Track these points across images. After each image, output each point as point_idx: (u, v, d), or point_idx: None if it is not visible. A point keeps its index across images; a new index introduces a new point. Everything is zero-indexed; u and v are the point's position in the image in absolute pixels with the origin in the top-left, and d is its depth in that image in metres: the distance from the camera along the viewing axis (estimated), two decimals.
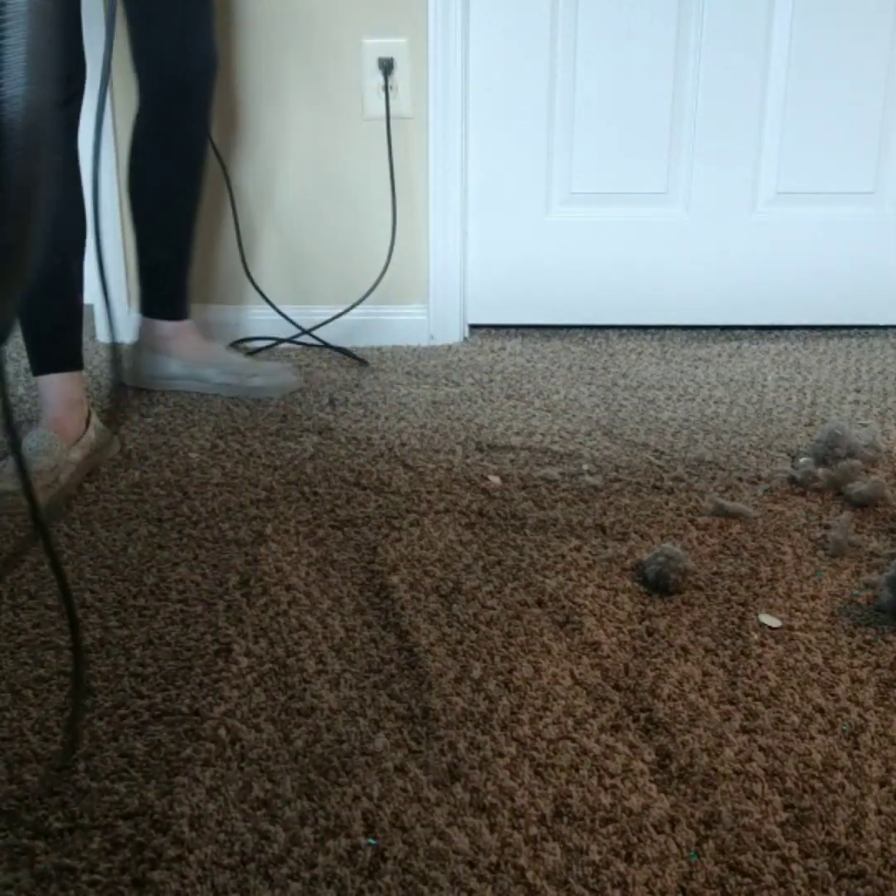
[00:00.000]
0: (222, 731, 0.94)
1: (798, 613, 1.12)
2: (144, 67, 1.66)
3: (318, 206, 2.08)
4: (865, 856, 0.79)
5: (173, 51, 1.64)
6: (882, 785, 0.87)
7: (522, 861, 0.79)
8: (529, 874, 0.78)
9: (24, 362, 1.92)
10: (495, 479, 1.46)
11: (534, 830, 0.82)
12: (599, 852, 0.80)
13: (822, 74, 2.02)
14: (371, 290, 2.03)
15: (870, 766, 0.89)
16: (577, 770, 0.89)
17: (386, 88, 1.98)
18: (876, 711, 0.96)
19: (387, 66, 1.97)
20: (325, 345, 2.07)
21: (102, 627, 1.10)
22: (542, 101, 2.05)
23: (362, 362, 1.99)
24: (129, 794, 0.86)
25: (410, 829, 0.82)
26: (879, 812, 0.84)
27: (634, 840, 0.81)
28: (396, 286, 2.08)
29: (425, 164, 2.03)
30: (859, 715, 0.95)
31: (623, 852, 0.80)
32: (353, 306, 2.04)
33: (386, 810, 0.84)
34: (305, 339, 2.07)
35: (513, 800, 0.85)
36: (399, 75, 1.98)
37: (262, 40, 1.98)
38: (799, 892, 0.76)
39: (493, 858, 0.79)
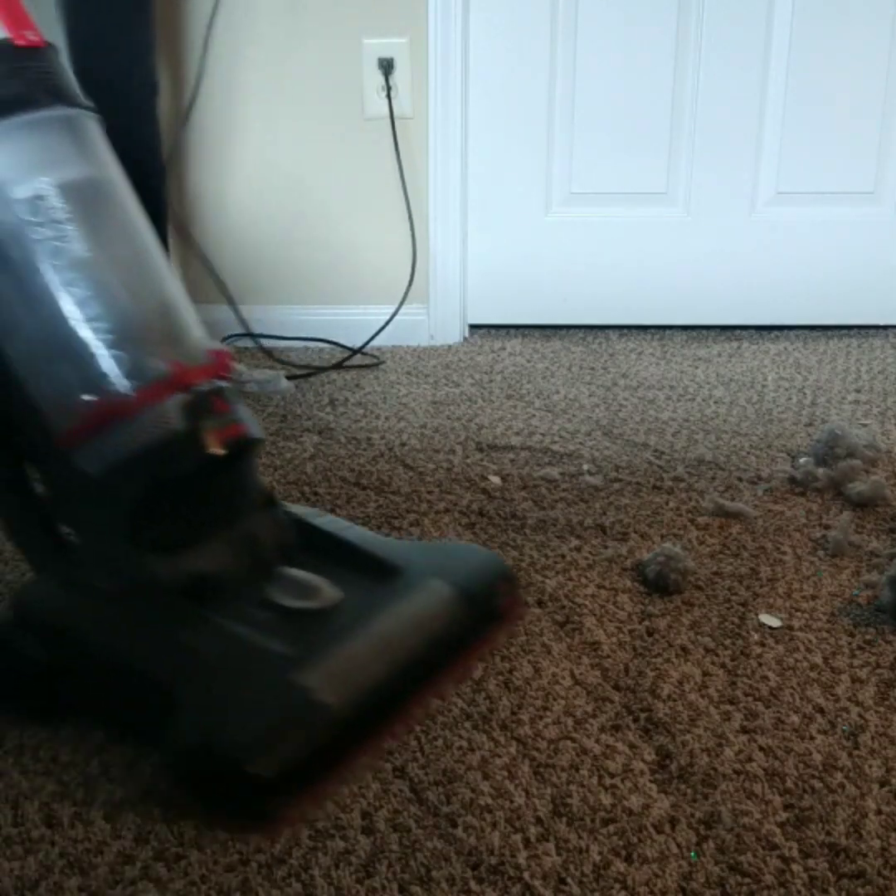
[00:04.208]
0: None
1: (798, 613, 1.12)
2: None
3: (318, 206, 2.08)
4: (865, 856, 0.79)
5: (116, 77, 1.64)
6: (882, 785, 0.87)
7: (521, 861, 0.79)
8: (528, 875, 0.78)
9: None
10: (495, 479, 1.46)
11: (533, 830, 0.82)
12: (599, 852, 0.80)
13: (822, 74, 2.02)
14: (405, 293, 2.05)
15: (870, 766, 0.89)
16: (576, 770, 0.89)
17: (387, 88, 1.98)
18: (876, 711, 0.96)
19: (387, 66, 1.98)
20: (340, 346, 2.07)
21: None
22: (542, 101, 2.05)
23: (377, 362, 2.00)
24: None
25: (408, 830, 0.82)
26: (879, 812, 0.83)
27: (634, 840, 0.81)
28: (397, 286, 2.07)
29: (425, 165, 2.03)
30: (859, 715, 0.95)
31: (623, 852, 0.80)
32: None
33: (385, 811, 0.84)
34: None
35: (512, 800, 0.85)
36: (399, 75, 1.98)
37: (261, 39, 1.98)
38: (799, 892, 0.76)
39: (493, 859, 0.79)
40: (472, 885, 0.77)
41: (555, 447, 1.58)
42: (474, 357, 2.03)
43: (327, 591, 0.90)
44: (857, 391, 1.82)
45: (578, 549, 1.26)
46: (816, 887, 0.76)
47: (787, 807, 0.84)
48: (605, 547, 1.27)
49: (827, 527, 1.30)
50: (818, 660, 1.03)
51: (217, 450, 0.88)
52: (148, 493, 0.86)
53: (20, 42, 0.87)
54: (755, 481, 1.45)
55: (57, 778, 0.87)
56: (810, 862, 0.79)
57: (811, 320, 2.16)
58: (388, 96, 1.99)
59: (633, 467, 1.50)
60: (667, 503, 1.39)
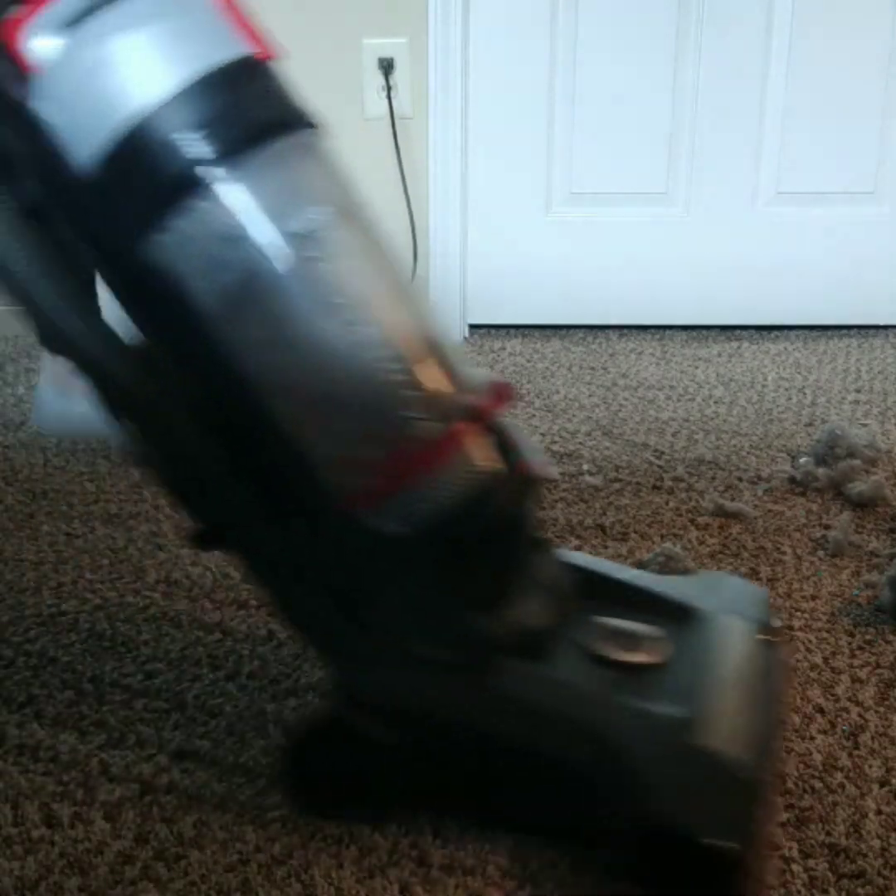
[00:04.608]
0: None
1: (798, 613, 1.12)
2: None
3: None
4: (865, 856, 0.79)
5: None
6: (882, 785, 0.87)
7: None
8: None
9: (25, 362, 1.92)
10: None
11: None
12: None
13: (822, 74, 2.02)
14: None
15: (870, 766, 0.89)
16: None
17: (387, 88, 1.98)
18: (876, 711, 0.96)
19: (387, 67, 1.98)
20: None
21: (108, 625, 1.10)
22: (542, 101, 2.05)
23: None
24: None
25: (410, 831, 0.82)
26: (879, 812, 0.83)
27: None
28: None
29: (425, 165, 2.04)
30: (859, 715, 0.95)
31: None
32: None
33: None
34: None
35: None
36: (399, 75, 1.99)
37: None
38: (799, 892, 0.76)
39: (496, 859, 0.79)
40: (477, 885, 0.77)
41: (555, 447, 1.58)
42: (474, 357, 2.03)
43: (654, 639, 0.83)
44: (857, 391, 1.82)
45: (578, 549, 1.26)
46: (816, 887, 0.76)
47: (787, 807, 0.84)
48: (605, 547, 1.27)
49: (827, 527, 1.30)
50: (818, 660, 1.03)
51: (524, 489, 0.81)
52: (464, 546, 0.78)
53: (263, 56, 0.77)
54: (755, 481, 1.45)
55: (57, 778, 0.88)
56: (810, 862, 0.79)
57: (811, 320, 2.16)
58: (388, 96, 1.99)
59: (633, 467, 1.50)
60: (667, 503, 1.39)
